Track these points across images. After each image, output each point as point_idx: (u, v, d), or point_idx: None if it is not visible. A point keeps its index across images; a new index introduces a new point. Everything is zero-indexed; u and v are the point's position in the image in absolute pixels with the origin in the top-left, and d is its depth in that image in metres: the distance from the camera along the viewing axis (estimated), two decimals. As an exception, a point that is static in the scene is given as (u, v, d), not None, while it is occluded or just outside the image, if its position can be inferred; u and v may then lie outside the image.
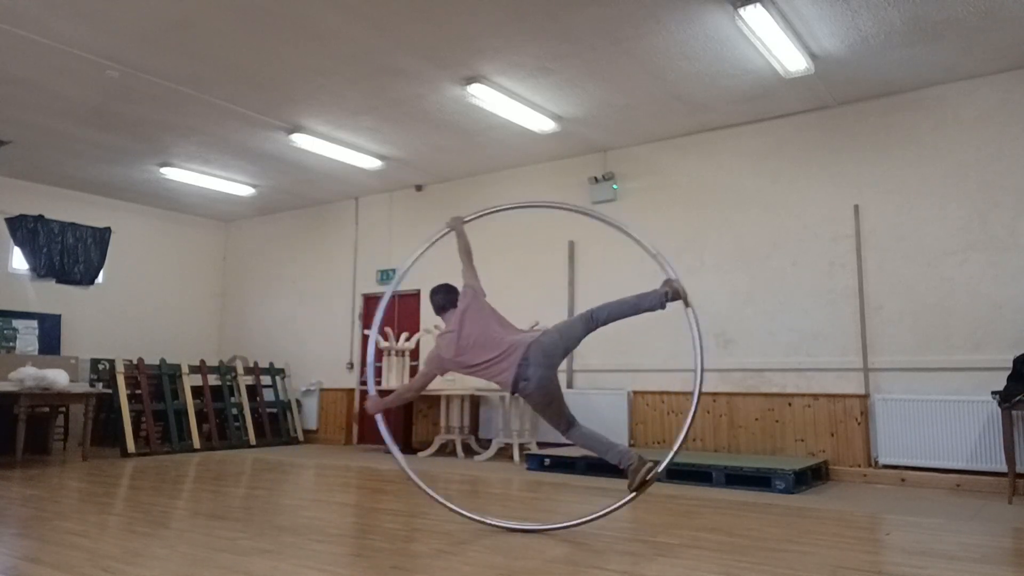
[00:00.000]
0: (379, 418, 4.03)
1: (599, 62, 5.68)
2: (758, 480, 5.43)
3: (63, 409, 8.19)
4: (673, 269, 3.72)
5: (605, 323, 3.62)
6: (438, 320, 8.50)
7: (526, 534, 3.72)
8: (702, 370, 3.76)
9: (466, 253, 4.06)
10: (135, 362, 8.25)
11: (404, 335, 8.36)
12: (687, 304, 3.66)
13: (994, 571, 3.06)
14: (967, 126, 5.93)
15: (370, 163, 8.13)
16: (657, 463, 3.53)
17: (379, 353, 8.60)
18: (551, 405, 3.66)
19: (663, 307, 3.58)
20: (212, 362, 9.40)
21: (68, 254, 9.25)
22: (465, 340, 3.71)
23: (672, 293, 3.53)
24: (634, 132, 7.23)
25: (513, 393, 3.66)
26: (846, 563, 3.14)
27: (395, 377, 8.13)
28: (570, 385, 7.63)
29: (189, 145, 7.73)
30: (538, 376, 3.55)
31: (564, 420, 3.71)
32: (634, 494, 3.52)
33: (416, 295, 9.05)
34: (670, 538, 3.65)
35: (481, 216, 4.35)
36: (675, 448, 3.62)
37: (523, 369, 3.55)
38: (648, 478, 3.46)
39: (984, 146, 5.85)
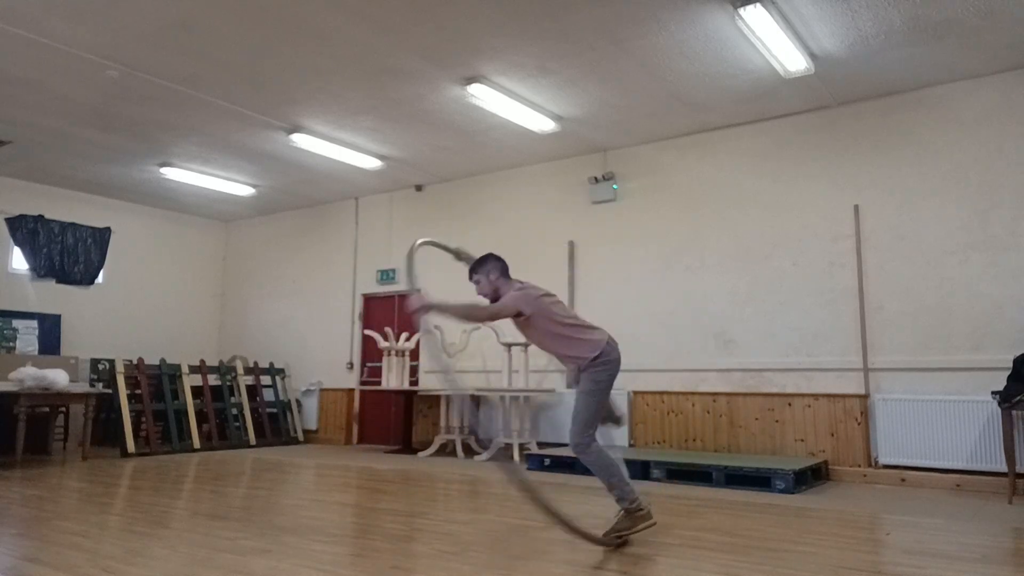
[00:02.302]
0: (423, 328, 3.90)
1: (599, 62, 5.68)
2: (758, 480, 5.43)
3: (63, 409, 8.19)
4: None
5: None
6: (438, 320, 8.53)
7: (526, 534, 3.71)
8: None
9: (464, 310, 3.69)
10: (135, 362, 8.25)
11: (404, 335, 8.36)
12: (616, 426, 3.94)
13: (994, 571, 3.06)
14: (967, 126, 5.93)
15: (370, 163, 8.12)
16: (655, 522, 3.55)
17: (379, 353, 8.61)
18: (609, 390, 3.75)
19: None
20: (212, 362, 9.41)
21: (68, 254, 9.25)
22: (554, 298, 3.79)
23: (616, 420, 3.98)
24: (634, 132, 7.23)
25: (595, 358, 3.64)
26: (846, 563, 3.14)
27: (395, 377, 8.13)
28: (570, 385, 7.61)
29: (189, 145, 7.73)
30: (619, 353, 3.76)
31: (596, 423, 3.66)
32: (613, 539, 3.42)
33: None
34: (670, 538, 3.65)
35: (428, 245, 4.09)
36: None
37: (611, 341, 3.75)
38: (639, 529, 3.47)
39: (984, 146, 5.85)
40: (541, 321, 3.63)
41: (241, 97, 6.44)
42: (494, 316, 3.73)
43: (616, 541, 3.43)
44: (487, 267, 3.79)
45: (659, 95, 6.31)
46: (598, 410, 3.58)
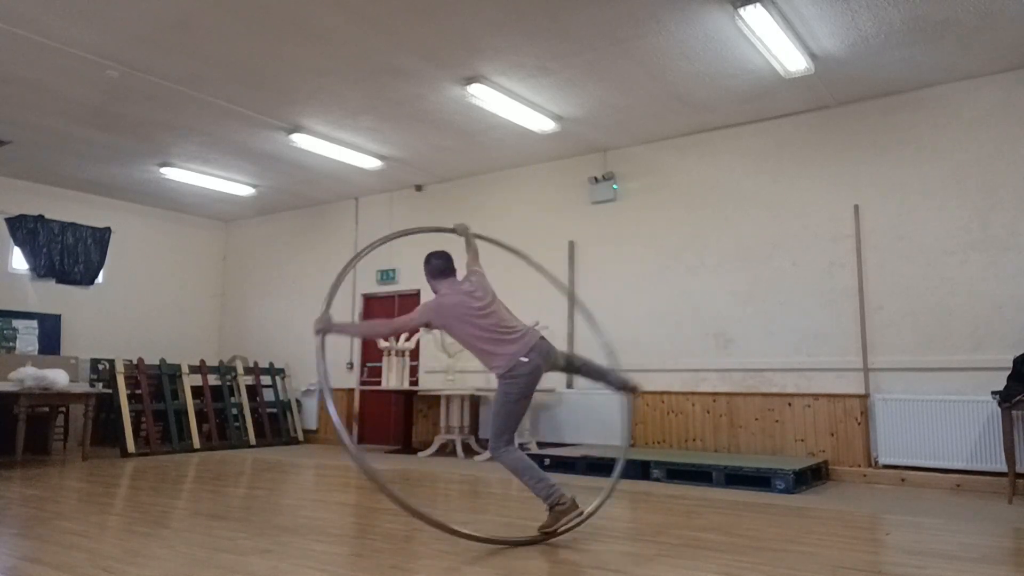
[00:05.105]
0: (319, 346, 3.66)
1: (599, 62, 5.68)
2: (758, 480, 5.42)
3: (63, 409, 8.19)
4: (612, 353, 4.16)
5: (574, 371, 3.91)
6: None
7: (526, 534, 3.71)
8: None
9: (475, 255, 4.10)
10: (135, 362, 8.25)
11: (404, 335, 8.36)
12: (634, 394, 3.89)
13: (994, 571, 3.06)
14: (967, 126, 5.93)
15: (370, 163, 8.12)
16: (582, 512, 3.54)
17: (379, 353, 8.60)
18: (522, 403, 3.62)
19: (616, 391, 3.92)
20: (212, 362, 9.40)
21: (68, 254, 9.25)
22: (481, 305, 3.67)
23: (631, 389, 3.84)
24: (634, 132, 7.23)
25: (503, 373, 3.57)
26: (846, 563, 3.14)
27: (395, 377, 8.13)
28: (570, 385, 7.63)
29: (189, 145, 7.73)
30: (536, 365, 3.58)
31: (511, 429, 3.62)
32: (542, 535, 3.50)
33: (416, 295, 9.04)
34: (670, 538, 3.65)
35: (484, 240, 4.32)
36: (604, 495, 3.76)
37: (531, 353, 3.57)
38: (571, 525, 3.50)
39: (984, 146, 5.85)
40: (456, 331, 3.69)
41: (241, 97, 6.44)
42: (397, 330, 3.80)
43: (544, 537, 3.51)
44: (426, 268, 3.88)
45: (659, 95, 6.31)
46: (509, 419, 3.60)
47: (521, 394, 3.58)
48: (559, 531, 3.50)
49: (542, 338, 3.67)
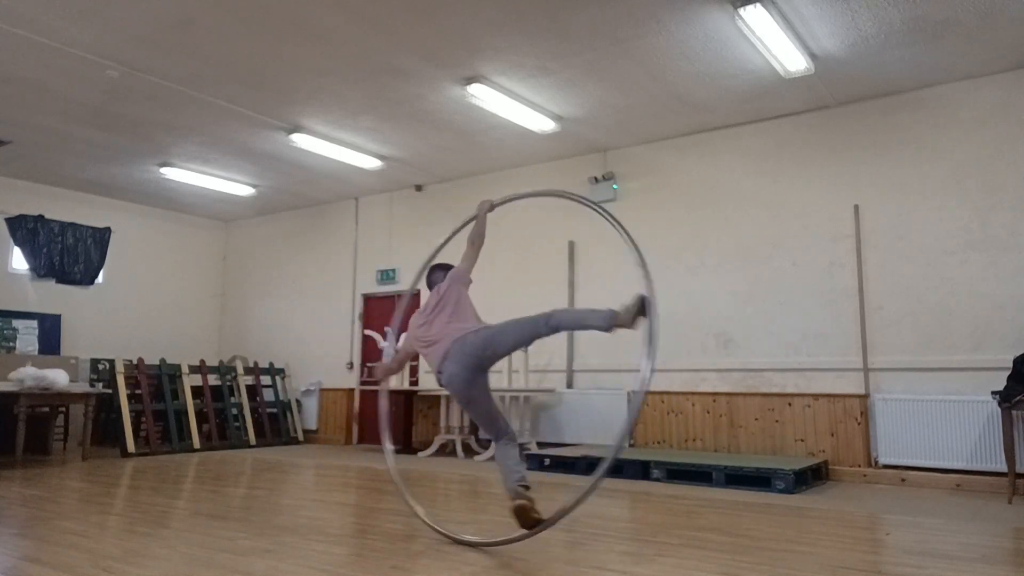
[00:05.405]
0: (383, 407, 4.39)
1: (599, 62, 5.68)
2: (758, 480, 5.42)
3: (63, 409, 8.18)
4: (651, 287, 3.39)
5: (556, 331, 3.40)
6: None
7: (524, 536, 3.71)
8: (650, 374, 3.41)
9: (478, 238, 3.88)
10: (135, 362, 8.25)
11: (404, 335, 8.35)
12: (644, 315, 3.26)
13: (994, 571, 3.06)
14: (967, 126, 5.93)
15: (370, 163, 8.13)
16: (525, 504, 3.26)
17: (379, 353, 8.60)
18: (471, 406, 3.49)
19: (608, 331, 3.30)
20: (212, 362, 9.40)
21: (68, 254, 9.25)
22: (421, 322, 3.64)
23: (622, 320, 3.24)
24: (634, 132, 7.23)
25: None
26: (846, 563, 3.14)
27: (395, 377, 8.13)
28: (570, 385, 7.63)
29: (189, 145, 7.73)
30: (450, 373, 3.39)
31: (494, 428, 3.54)
32: (527, 532, 3.30)
33: (417, 295, 9.03)
34: (670, 538, 3.65)
35: (512, 200, 4.11)
36: (587, 491, 3.21)
37: (443, 363, 3.42)
38: (534, 520, 3.23)
39: (984, 146, 5.85)
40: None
41: (241, 97, 6.44)
42: (404, 360, 4.15)
43: (533, 533, 3.33)
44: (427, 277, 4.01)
45: (659, 95, 6.31)
46: (477, 418, 3.58)
47: (460, 400, 3.50)
48: (541, 520, 3.26)
49: (458, 340, 3.39)
